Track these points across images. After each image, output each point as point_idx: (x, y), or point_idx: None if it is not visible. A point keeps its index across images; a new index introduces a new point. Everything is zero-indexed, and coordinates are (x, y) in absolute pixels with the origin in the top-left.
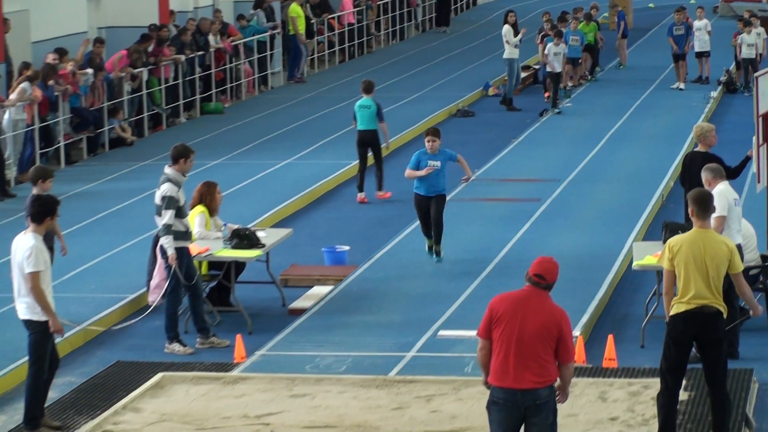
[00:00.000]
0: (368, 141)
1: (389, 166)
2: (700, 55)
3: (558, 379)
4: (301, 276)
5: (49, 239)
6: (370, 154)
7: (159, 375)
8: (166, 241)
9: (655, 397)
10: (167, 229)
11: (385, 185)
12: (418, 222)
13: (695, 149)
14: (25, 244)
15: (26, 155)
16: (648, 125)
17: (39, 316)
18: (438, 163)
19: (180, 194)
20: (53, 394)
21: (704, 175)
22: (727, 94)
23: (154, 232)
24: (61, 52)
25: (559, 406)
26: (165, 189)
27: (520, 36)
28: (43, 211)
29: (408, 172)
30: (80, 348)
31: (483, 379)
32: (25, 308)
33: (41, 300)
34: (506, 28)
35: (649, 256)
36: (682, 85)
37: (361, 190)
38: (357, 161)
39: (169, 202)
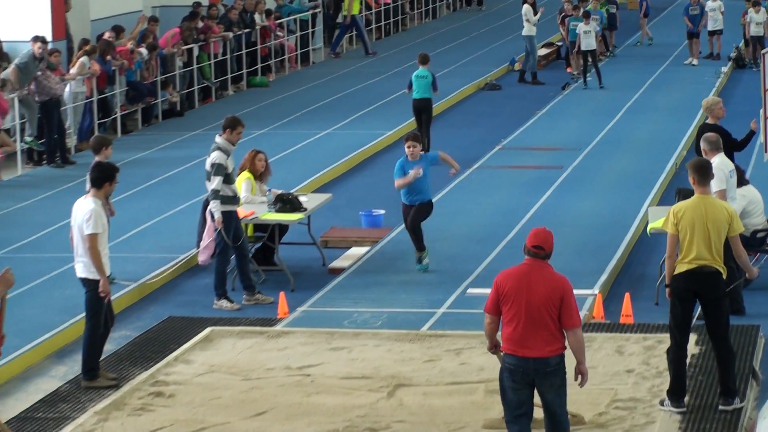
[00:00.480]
0: (422, 108)
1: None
2: (712, 33)
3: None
4: (339, 238)
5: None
6: None
7: (208, 329)
8: (214, 205)
9: (666, 351)
10: (215, 194)
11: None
12: (449, 187)
13: (706, 121)
14: (85, 207)
15: (85, 125)
16: (662, 98)
17: (94, 275)
18: (421, 170)
19: (229, 162)
20: (110, 347)
21: (702, 146)
22: (737, 70)
23: (204, 197)
24: (117, 30)
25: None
26: (214, 156)
27: (538, 15)
28: (102, 177)
29: (397, 182)
30: (135, 304)
31: (488, 345)
32: (82, 267)
33: (96, 261)
34: (526, 7)
35: (661, 219)
36: (695, 61)
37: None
38: (392, 131)
39: (218, 169)
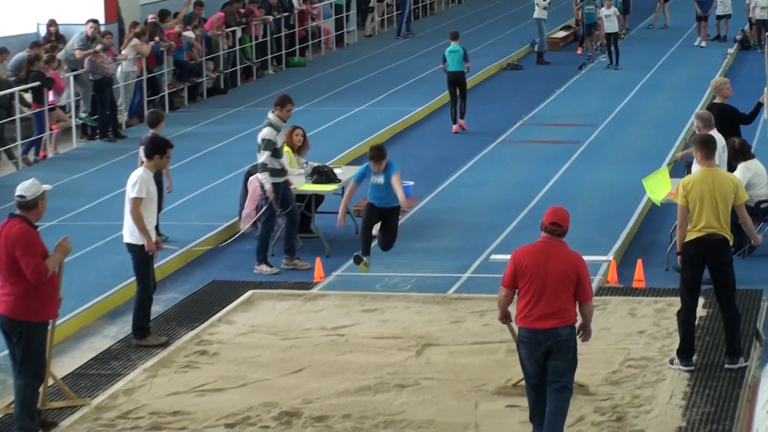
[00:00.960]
0: (457, 80)
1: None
2: (720, 17)
3: (579, 319)
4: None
5: (158, 176)
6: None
7: (249, 292)
8: (263, 177)
9: (676, 313)
10: (264, 167)
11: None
12: (473, 160)
13: (713, 101)
14: (135, 174)
15: (135, 102)
16: (673, 77)
17: (138, 239)
18: (381, 180)
19: (279, 137)
20: (158, 308)
21: (696, 123)
22: (742, 51)
23: (246, 169)
24: (163, 14)
25: (595, 320)
26: (265, 132)
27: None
28: (153, 150)
29: (350, 185)
30: (182, 269)
31: (499, 315)
32: (127, 232)
33: (139, 222)
34: None
35: (656, 187)
36: (703, 43)
37: (455, 122)
38: (421, 108)
39: (267, 144)
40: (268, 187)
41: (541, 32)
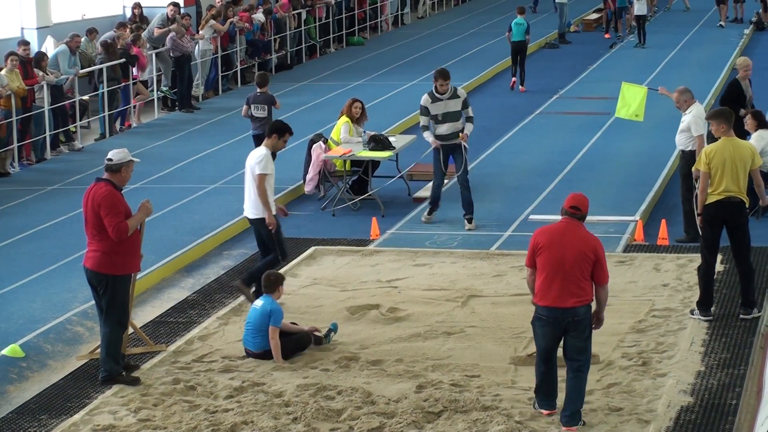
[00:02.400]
0: (519, 48)
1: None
2: (737, 0)
3: (594, 302)
4: (422, 172)
5: None
6: None
7: (312, 248)
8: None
9: (696, 268)
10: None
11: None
12: (514, 129)
13: (736, 77)
14: (257, 152)
15: (211, 77)
16: (695, 55)
17: (257, 214)
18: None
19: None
20: (230, 263)
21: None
22: (757, 32)
23: (310, 137)
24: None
25: (622, 274)
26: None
27: None
28: (272, 129)
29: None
30: (251, 227)
31: (531, 298)
32: (249, 207)
33: (263, 197)
34: None
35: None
36: (723, 23)
37: (521, 83)
38: (467, 82)
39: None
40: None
41: (562, 15)
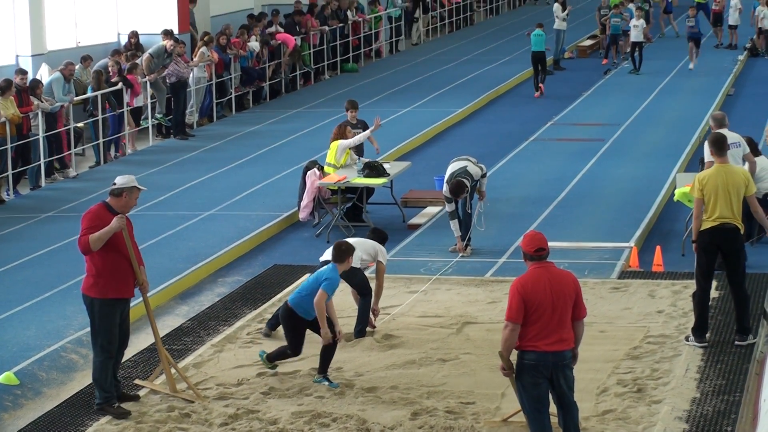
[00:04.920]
0: (538, 58)
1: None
2: (732, 27)
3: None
4: (417, 198)
5: None
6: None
7: (306, 275)
8: None
9: (691, 295)
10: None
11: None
12: (508, 156)
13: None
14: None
15: (205, 104)
16: (689, 82)
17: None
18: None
19: None
20: (225, 290)
21: (710, 123)
22: (751, 58)
23: (304, 164)
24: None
25: (616, 300)
26: None
27: (566, 12)
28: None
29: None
30: (246, 254)
31: (503, 362)
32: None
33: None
34: (556, 6)
35: (684, 186)
36: (691, 65)
37: (536, 89)
38: (461, 109)
39: None
40: None
41: (559, 42)
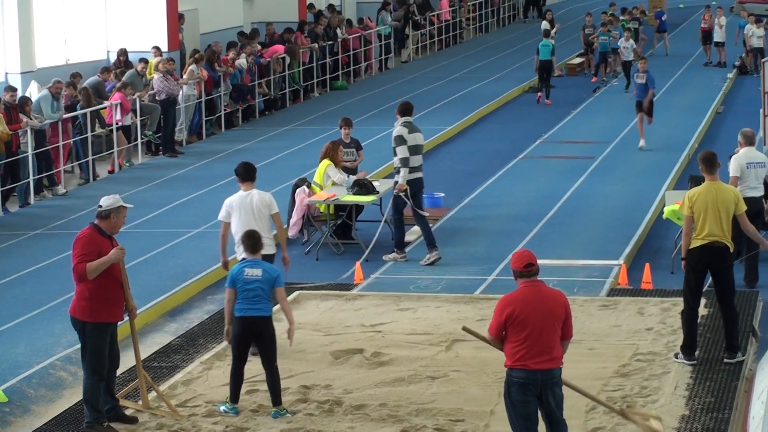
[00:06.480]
0: (545, 67)
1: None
2: (718, 44)
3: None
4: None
5: None
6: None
7: (296, 293)
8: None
9: (680, 312)
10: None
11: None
12: (497, 174)
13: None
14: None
15: (195, 122)
16: (678, 99)
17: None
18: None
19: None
20: (213, 307)
21: (738, 138)
22: (740, 76)
23: (294, 181)
24: (230, 45)
25: (605, 317)
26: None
27: (554, 30)
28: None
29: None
30: None
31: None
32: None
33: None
34: (544, 23)
35: (673, 204)
36: (642, 142)
37: (543, 96)
38: (451, 126)
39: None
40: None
41: None
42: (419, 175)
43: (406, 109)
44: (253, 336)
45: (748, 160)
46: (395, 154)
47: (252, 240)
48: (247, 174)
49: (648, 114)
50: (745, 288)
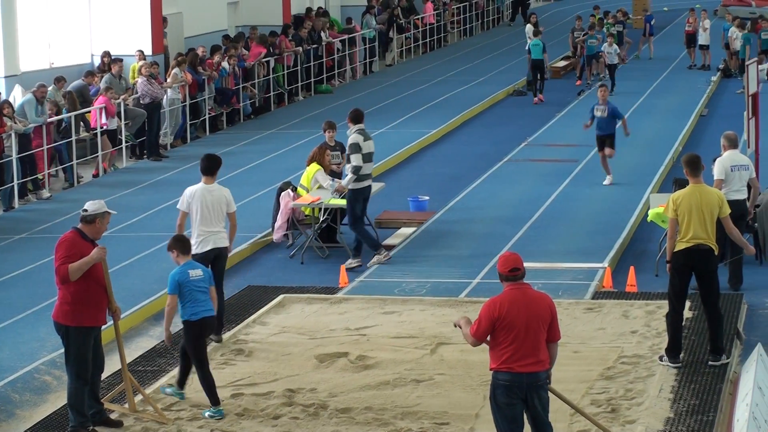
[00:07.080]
0: (538, 66)
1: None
2: (703, 47)
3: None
4: (391, 219)
5: None
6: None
7: (281, 296)
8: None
9: (665, 315)
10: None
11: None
12: (482, 177)
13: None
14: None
15: (179, 126)
16: (662, 102)
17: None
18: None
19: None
20: None
21: (722, 141)
22: (724, 79)
23: (278, 185)
24: (214, 49)
25: (590, 320)
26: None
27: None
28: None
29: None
30: None
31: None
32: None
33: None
34: (528, 27)
35: (658, 207)
36: (608, 178)
37: (535, 95)
38: (436, 130)
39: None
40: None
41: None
42: (370, 182)
43: (357, 116)
44: (207, 335)
45: (732, 162)
46: (348, 161)
47: (184, 241)
48: (208, 167)
49: (610, 146)
50: (729, 291)
